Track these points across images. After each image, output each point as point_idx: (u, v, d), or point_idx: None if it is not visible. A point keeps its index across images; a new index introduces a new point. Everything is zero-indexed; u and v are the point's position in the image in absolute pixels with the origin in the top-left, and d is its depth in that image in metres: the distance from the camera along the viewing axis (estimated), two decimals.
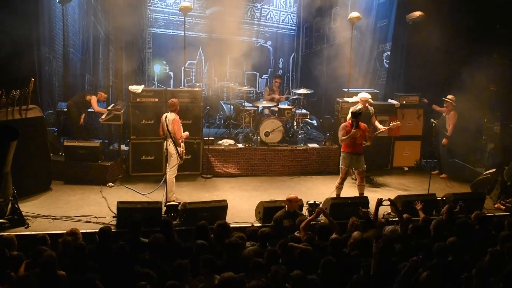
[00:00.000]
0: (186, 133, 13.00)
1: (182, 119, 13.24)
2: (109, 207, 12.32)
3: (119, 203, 11.42)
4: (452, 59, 15.66)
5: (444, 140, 15.60)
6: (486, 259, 8.46)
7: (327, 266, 8.13)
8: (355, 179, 14.96)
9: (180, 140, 12.70)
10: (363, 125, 13.15)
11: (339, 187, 13.28)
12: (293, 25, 20.21)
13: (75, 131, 14.96)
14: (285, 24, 20.10)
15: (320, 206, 11.92)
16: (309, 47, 20.35)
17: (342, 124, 13.26)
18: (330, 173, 15.58)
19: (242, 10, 18.65)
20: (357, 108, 13.75)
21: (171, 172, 12.68)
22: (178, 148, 12.59)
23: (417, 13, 16.22)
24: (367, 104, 14.69)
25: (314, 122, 18.54)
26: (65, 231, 9.29)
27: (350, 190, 14.27)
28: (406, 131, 16.29)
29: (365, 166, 13.34)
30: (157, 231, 9.43)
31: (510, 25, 15.81)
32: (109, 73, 16.82)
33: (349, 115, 13.78)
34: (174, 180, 12.91)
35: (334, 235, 9.29)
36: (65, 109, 15.14)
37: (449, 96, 15.49)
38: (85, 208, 12.24)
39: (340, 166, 13.33)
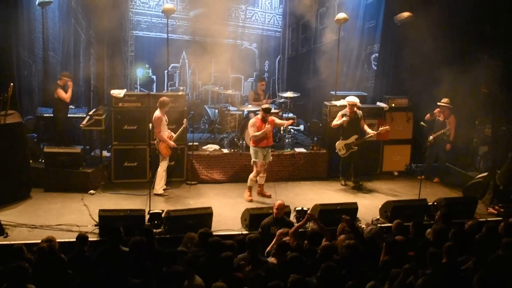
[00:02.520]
0: (167, 136, 13.63)
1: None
2: (90, 215, 12.25)
3: (101, 211, 11.39)
4: (441, 60, 15.68)
5: (447, 146, 15.69)
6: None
7: (327, 271, 8.13)
8: (344, 185, 15.10)
9: (162, 137, 13.55)
10: (271, 119, 13.87)
11: (255, 180, 14.01)
12: (279, 27, 20.24)
13: (60, 127, 14.87)
14: (270, 26, 20.13)
15: (309, 212, 11.91)
16: (296, 49, 20.40)
17: (253, 120, 13.84)
18: (318, 179, 15.62)
19: (226, 12, 18.65)
20: (267, 106, 14.03)
21: (161, 165, 13.70)
22: (161, 144, 13.56)
23: (406, 14, 16.28)
24: (355, 108, 14.73)
25: (301, 126, 18.56)
26: None
27: (339, 196, 14.35)
28: (395, 135, 16.30)
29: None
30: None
31: (501, 25, 15.89)
32: (90, 77, 16.73)
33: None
34: (164, 174, 13.77)
35: (324, 242, 9.32)
36: (45, 114, 15.06)
37: (444, 100, 15.54)
38: (66, 217, 12.17)
39: (253, 160, 13.92)
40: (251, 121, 13.81)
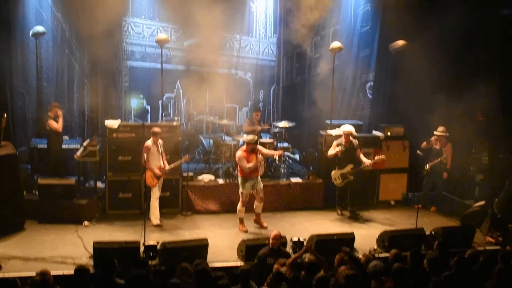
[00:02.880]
0: (157, 166, 13.70)
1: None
2: (85, 247, 12.20)
3: (95, 243, 11.34)
4: (437, 88, 15.80)
5: (444, 174, 15.73)
6: None
7: None
8: (341, 214, 15.07)
9: (147, 165, 13.70)
10: (259, 149, 14.02)
11: (243, 211, 14.02)
12: (273, 56, 20.30)
13: (55, 158, 14.83)
14: (265, 55, 20.20)
15: (305, 243, 11.90)
16: (290, 78, 20.43)
17: (240, 154, 13.76)
18: (315, 209, 15.60)
19: (220, 41, 18.69)
20: (253, 137, 14.09)
21: (152, 195, 13.79)
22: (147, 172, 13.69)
23: (400, 42, 16.40)
24: (350, 137, 14.77)
25: (297, 156, 18.56)
26: None
27: (335, 226, 14.34)
28: (391, 164, 16.28)
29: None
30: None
31: (495, 53, 16.00)
32: (84, 108, 16.75)
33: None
34: (157, 204, 13.81)
35: (321, 273, 9.27)
36: (39, 145, 15.05)
37: (440, 129, 15.63)
38: (60, 249, 12.13)
39: (240, 191, 13.89)
40: (238, 154, 13.76)
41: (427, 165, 15.62)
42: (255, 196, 14.04)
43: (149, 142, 13.77)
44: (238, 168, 13.93)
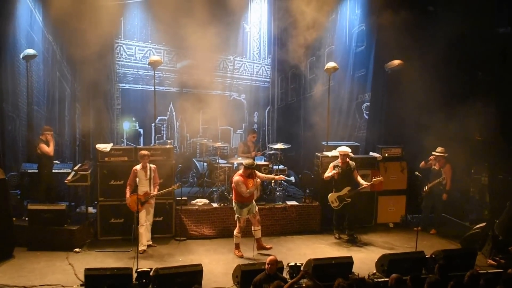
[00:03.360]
0: (143, 191, 13.67)
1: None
2: (76, 274, 12.05)
3: (86, 270, 11.14)
4: (434, 107, 15.73)
5: (444, 195, 15.65)
6: None
7: None
8: (338, 238, 14.96)
9: (126, 189, 13.73)
10: (255, 172, 13.90)
11: (239, 236, 13.88)
12: (268, 77, 20.26)
13: (45, 183, 14.68)
14: (259, 76, 20.15)
15: (302, 268, 11.73)
16: (285, 99, 20.40)
17: (237, 179, 13.65)
18: (311, 232, 15.50)
19: (214, 63, 18.70)
20: (250, 161, 14.09)
21: (139, 221, 13.63)
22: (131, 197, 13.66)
23: (396, 62, 16.40)
24: (347, 159, 14.69)
25: (292, 178, 18.44)
26: None
27: (333, 250, 14.22)
28: (389, 185, 16.26)
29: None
30: None
31: (492, 72, 15.98)
32: (75, 131, 16.64)
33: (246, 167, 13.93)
34: (143, 231, 13.73)
35: None
36: (29, 170, 14.89)
37: (439, 149, 15.59)
38: (50, 277, 11.97)
39: (238, 216, 13.77)
40: (236, 179, 13.64)
41: (426, 186, 15.50)
42: (252, 220, 13.91)
43: (137, 167, 13.77)
44: (233, 193, 13.81)
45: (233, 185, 13.76)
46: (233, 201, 13.85)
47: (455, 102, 15.97)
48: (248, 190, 13.48)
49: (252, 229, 13.93)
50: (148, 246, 13.89)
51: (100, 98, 16.59)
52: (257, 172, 14.15)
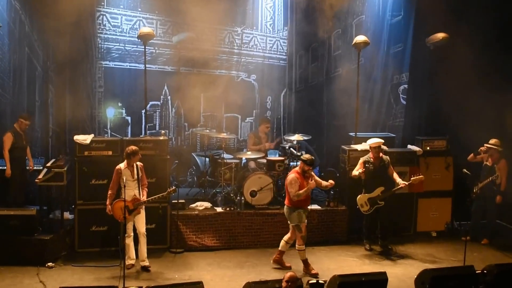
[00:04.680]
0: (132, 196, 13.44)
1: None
2: None
3: None
4: (488, 92, 15.59)
5: (498, 198, 15.51)
6: None
7: None
8: (369, 249, 14.90)
9: (109, 195, 13.53)
10: (311, 173, 13.66)
11: (302, 249, 13.59)
12: (284, 53, 20.23)
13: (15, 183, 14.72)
14: (273, 52, 20.11)
15: (326, 286, 11.61)
16: (305, 81, 20.37)
17: (293, 176, 13.45)
18: (337, 243, 15.46)
19: (218, 36, 18.71)
20: (310, 156, 13.78)
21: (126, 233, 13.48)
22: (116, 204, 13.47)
23: (440, 35, 16.28)
24: (380, 153, 14.61)
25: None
26: None
27: (363, 264, 14.18)
28: (432, 186, 16.22)
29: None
30: None
31: None
32: (48, 120, 16.60)
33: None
34: (130, 243, 13.55)
35: None
36: None
37: (492, 141, 15.46)
38: None
39: (297, 224, 13.49)
40: (291, 177, 13.46)
41: (476, 186, 15.38)
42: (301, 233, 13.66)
43: (121, 165, 13.59)
44: (286, 195, 13.68)
45: (286, 182, 13.66)
46: (285, 205, 13.71)
47: None
48: (297, 193, 13.29)
49: (286, 238, 13.85)
50: (143, 268, 13.62)
51: (78, 79, 16.62)
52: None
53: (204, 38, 17.38)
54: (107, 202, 13.40)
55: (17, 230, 13.64)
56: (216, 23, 17.62)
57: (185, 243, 14.97)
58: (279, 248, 13.78)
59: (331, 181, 14.08)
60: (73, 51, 15.32)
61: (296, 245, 13.58)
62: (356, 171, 14.74)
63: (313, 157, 13.69)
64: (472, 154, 15.82)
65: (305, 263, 13.59)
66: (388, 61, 18.09)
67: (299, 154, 16.41)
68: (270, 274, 13.23)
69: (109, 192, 13.45)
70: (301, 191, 13.29)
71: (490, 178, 15.35)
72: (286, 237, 13.78)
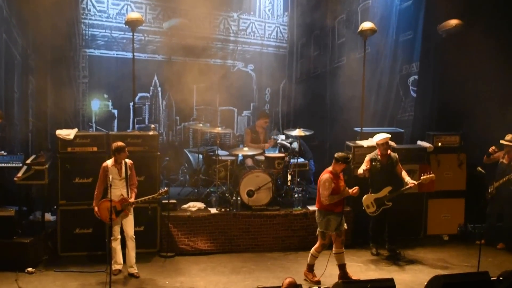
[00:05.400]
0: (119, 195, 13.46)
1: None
2: None
3: None
4: (504, 84, 15.63)
5: None
6: None
7: None
8: (376, 254, 14.96)
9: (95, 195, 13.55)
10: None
11: (316, 256, 13.56)
12: (284, 41, 20.25)
13: None
14: (272, 40, 20.14)
15: None
16: (306, 71, 20.40)
17: (326, 177, 13.23)
18: None
19: (212, 22, 18.73)
20: (346, 154, 13.59)
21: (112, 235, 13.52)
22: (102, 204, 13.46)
23: (453, 22, 16.30)
24: (388, 150, 14.64)
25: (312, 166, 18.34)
26: None
27: (368, 270, 14.22)
28: (444, 185, 16.25)
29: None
30: None
31: None
32: (28, 113, 16.62)
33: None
34: (116, 247, 13.55)
35: None
36: None
37: (508, 137, 15.43)
38: None
39: (323, 230, 13.36)
40: (325, 178, 13.26)
41: (492, 186, 15.42)
42: (334, 239, 13.51)
43: (108, 162, 13.57)
44: (317, 197, 13.56)
45: (318, 183, 13.47)
46: (316, 209, 13.61)
47: None
48: (330, 197, 13.10)
49: (333, 251, 13.54)
50: (130, 275, 13.62)
51: (60, 69, 16.61)
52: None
53: (197, 25, 17.40)
54: (94, 204, 13.42)
55: None
56: (210, 8, 17.63)
57: (176, 247, 15.00)
58: (307, 262, 13.62)
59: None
60: (55, 38, 15.29)
61: (312, 249, 13.54)
62: (360, 169, 14.78)
63: (347, 155, 13.51)
64: (485, 157, 15.84)
65: (310, 268, 13.55)
66: (396, 50, 18.15)
67: (288, 145, 16.54)
68: (268, 280, 13.26)
69: (96, 191, 13.46)
70: (335, 196, 13.08)
71: (507, 177, 15.37)
72: (313, 249, 13.57)
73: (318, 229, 13.46)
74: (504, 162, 15.56)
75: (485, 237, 15.14)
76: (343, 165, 13.22)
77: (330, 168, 13.37)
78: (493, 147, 15.60)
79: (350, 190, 13.35)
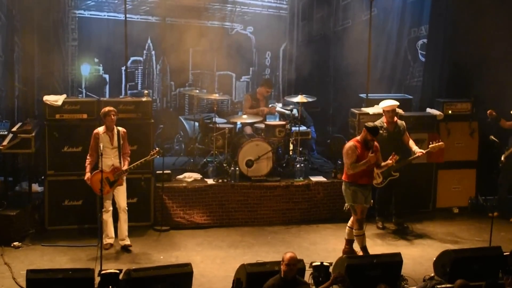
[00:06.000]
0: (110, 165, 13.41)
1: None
2: (14, 278, 12.03)
3: (30, 272, 11.04)
4: None
5: None
6: None
7: None
8: (382, 228, 14.96)
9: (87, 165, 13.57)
10: (376, 145, 13.11)
11: (360, 235, 13.21)
12: (284, 2, 20.11)
13: None
14: (272, 0, 19.95)
15: (331, 269, 11.63)
16: (308, 33, 20.26)
17: (350, 144, 13.03)
18: (344, 220, 15.18)
19: None
20: (374, 123, 13.45)
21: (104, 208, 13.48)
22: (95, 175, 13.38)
23: None
24: (395, 118, 14.57)
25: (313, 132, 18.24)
26: None
27: (374, 244, 14.27)
28: (454, 155, 16.25)
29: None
30: None
31: None
32: (14, 78, 16.52)
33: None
34: (108, 219, 13.63)
35: None
36: None
37: None
38: None
39: (351, 204, 13.20)
40: (348, 145, 13.10)
41: (504, 154, 15.38)
42: (361, 213, 13.34)
43: (99, 129, 13.54)
44: (345, 169, 13.40)
45: (343, 152, 13.25)
46: (343, 181, 13.46)
47: None
48: (352, 164, 12.86)
49: (353, 232, 13.40)
50: (123, 248, 13.65)
51: (48, 31, 16.52)
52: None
53: None
54: (87, 170, 13.39)
55: None
56: None
57: (171, 220, 15.01)
58: (345, 237, 13.52)
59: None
60: None
61: (353, 230, 13.34)
62: None
63: (377, 125, 13.29)
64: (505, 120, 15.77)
65: (364, 250, 13.31)
66: (404, 11, 18.11)
67: (288, 112, 16.49)
68: (268, 255, 13.26)
69: (88, 159, 13.46)
70: (358, 163, 12.86)
71: None
72: (349, 222, 13.45)
73: (345, 204, 13.35)
74: None
75: (497, 210, 15.12)
76: (371, 137, 12.83)
77: (358, 137, 13.17)
78: (490, 111, 15.55)
79: (388, 161, 13.32)
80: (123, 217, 13.59)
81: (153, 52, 18.90)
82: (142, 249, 13.74)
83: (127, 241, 13.60)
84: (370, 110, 15.84)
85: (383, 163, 13.33)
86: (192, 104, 19.01)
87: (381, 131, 14.40)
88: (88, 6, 18.01)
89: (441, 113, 16.26)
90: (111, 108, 13.52)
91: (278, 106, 17.21)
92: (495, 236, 13.35)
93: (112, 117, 13.43)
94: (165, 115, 18.63)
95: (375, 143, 13.03)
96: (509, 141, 15.63)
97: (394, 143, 14.54)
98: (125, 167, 13.52)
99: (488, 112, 15.61)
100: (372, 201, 13.39)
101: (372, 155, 12.81)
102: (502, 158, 15.39)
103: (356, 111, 16.06)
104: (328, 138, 18.63)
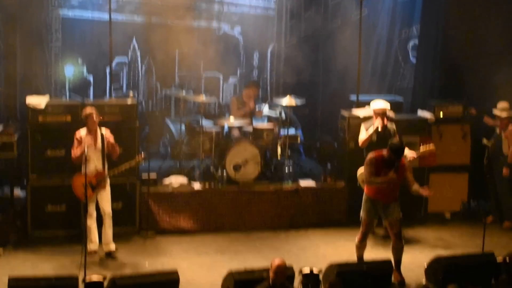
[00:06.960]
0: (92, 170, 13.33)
1: None
2: None
3: (12, 279, 11.02)
4: None
5: (504, 171, 15.53)
6: None
7: None
8: (372, 233, 14.90)
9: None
10: (403, 164, 12.65)
11: (360, 246, 13.12)
12: (272, 2, 20.11)
13: None
14: (260, 0, 19.95)
15: (321, 275, 11.64)
16: (297, 34, 20.28)
17: (371, 156, 12.67)
18: (334, 224, 15.54)
19: None
20: (401, 142, 12.72)
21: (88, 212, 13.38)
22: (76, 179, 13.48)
23: None
24: (385, 120, 14.56)
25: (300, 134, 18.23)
26: None
27: (365, 249, 14.12)
28: (446, 159, 16.17)
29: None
30: None
31: None
32: None
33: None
34: (92, 225, 13.52)
35: None
36: None
37: (501, 105, 15.44)
38: None
39: (361, 213, 13.07)
40: (369, 156, 12.74)
41: (488, 141, 15.49)
42: (388, 229, 13.20)
43: (82, 132, 13.51)
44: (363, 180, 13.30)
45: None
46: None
47: None
48: (370, 178, 12.53)
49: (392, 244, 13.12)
50: (107, 254, 13.62)
51: (30, 31, 16.44)
52: (407, 166, 13.04)
53: None
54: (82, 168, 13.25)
55: None
56: None
57: (157, 225, 15.03)
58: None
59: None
60: None
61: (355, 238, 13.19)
62: (363, 135, 14.60)
63: (400, 144, 12.57)
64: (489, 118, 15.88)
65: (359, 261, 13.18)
66: (395, 11, 18.17)
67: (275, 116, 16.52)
68: (256, 261, 13.18)
69: (73, 158, 13.44)
70: (376, 179, 12.51)
71: (487, 142, 15.50)
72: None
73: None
74: (497, 133, 15.62)
75: (491, 215, 15.17)
76: (393, 156, 12.33)
77: (384, 151, 12.59)
78: (471, 109, 15.68)
79: (421, 188, 12.87)
80: (108, 222, 13.52)
81: (138, 53, 18.92)
82: (127, 255, 13.74)
83: (112, 247, 13.57)
84: (360, 112, 15.80)
85: (414, 187, 12.76)
86: (178, 106, 19.00)
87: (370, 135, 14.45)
88: (72, 5, 17.97)
89: (432, 116, 16.22)
90: (92, 110, 13.48)
91: (265, 109, 17.18)
92: (487, 242, 13.09)
93: (94, 119, 13.40)
94: (151, 117, 18.65)
95: (404, 162, 12.68)
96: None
97: (383, 146, 14.52)
98: (108, 172, 13.53)
99: (470, 111, 15.73)
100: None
101: (393, 177, 12.37)
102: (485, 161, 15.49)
103: (346, 114, 16.06)
104: (316, 142, 18.64)
